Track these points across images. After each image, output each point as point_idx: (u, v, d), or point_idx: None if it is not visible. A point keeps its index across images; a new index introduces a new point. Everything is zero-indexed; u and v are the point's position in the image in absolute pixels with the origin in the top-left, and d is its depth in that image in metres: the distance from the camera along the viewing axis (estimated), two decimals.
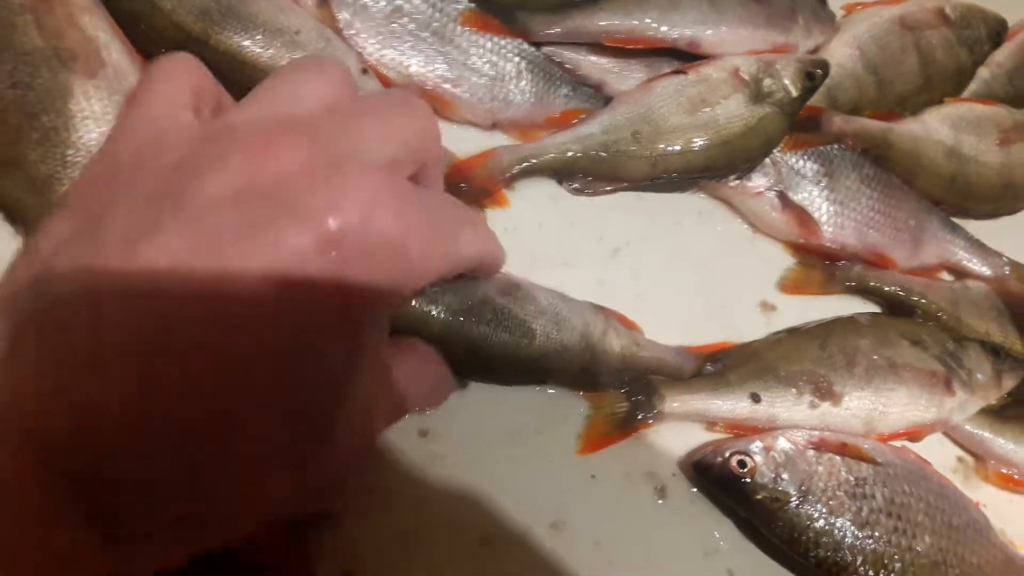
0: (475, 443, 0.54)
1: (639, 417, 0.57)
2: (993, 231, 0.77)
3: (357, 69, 0.55)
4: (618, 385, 0.57)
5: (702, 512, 0.57)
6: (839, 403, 0.60)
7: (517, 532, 0.52)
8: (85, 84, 0.45)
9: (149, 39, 0.51)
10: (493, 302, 0.53)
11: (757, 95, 0.63)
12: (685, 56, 0.65)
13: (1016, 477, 0.67)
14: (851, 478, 0.57)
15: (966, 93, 0.81)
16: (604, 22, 0.61)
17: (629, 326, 0.61)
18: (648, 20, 0.62)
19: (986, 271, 0.74)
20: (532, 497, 0.53)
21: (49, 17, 0.46)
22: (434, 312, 0.51)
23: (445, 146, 0.59)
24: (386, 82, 0.57)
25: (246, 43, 0.52)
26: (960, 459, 0.68)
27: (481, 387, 0.55)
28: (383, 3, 0.57)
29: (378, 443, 0.50)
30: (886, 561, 0.55)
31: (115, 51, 0.47)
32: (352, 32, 0.56)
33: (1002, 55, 0.83)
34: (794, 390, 0.60)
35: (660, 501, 0.57)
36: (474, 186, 0.59)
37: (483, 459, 0.53)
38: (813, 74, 0.65)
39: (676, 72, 0.64)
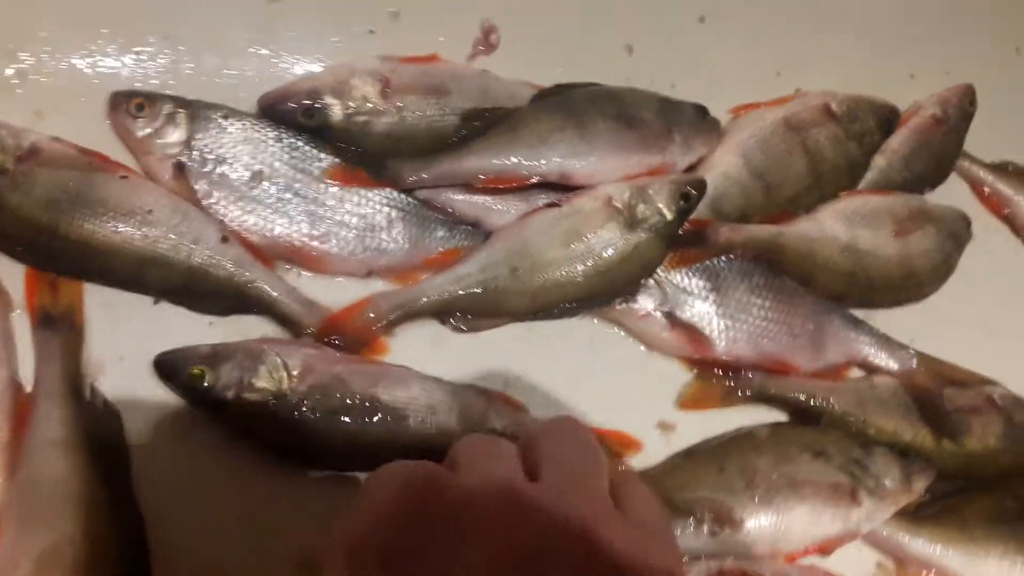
0: None
1: None
2: (903, 318, 0.77)
3: (217, 238, 0.56)
4: None
5: None
6: (740, 528, 0.59)
7: None
8: None
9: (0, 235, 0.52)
10: (363, 394, 0.54)
11: (631, 222, 0.64)
12: (562, 186, 0.66)
13: None
14: None
15: (864, 183, 0.81)
16: (473, 165, 0.62)
17: (514, 406, 0.61)
18: (516, 159, 0.63)
19: (894, 365, 0.73)
20: None
21: None
22: (309, 415, 0.53)
23: (315, 300, 0.59)
24: (250, 246, 0.57)
25: (97, 229, 0.52)
26: (879, 564, 0.67)
27: None
28: (242, 171, 0.57)
29: None
30: None
31: None
32: (211, 201, 0.57)
33: (896, 141, 0.83)
34: (692, 520, 0.59)
35: None
36: (348, 338, 0.59)
37: None
38: (688, 194, 0.65)
39: (551, 205, 0.64)
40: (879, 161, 0.82)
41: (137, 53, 0.59)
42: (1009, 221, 0.90)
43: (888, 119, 0.83)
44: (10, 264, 0.53)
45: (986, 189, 0.89)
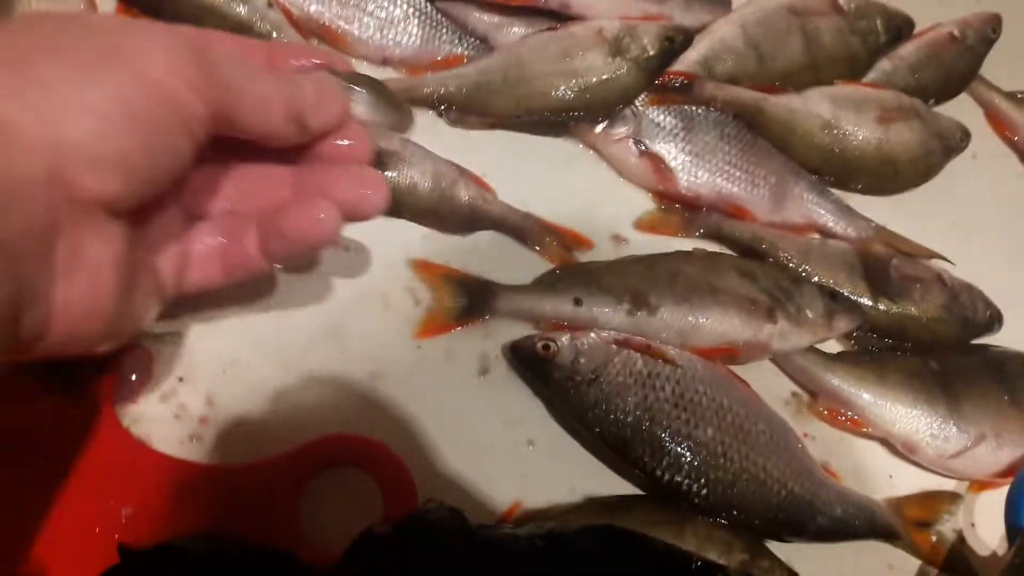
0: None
1: (473, 313, 0.67)
2: (876, 208, 0.82)
3: (264, 3, 0.69)
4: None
5: (515, 391, 0.66)
6: (654, 313, 0.67)
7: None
8: None
9: None
10: None
11: (616, 51, 0.73)
12: (565, 16, 0.76)
13: (841, 415, 0.71)
14: (644, 371, 0.64)
15: (866, 81, 0.87)
16: None
17: (483, 187, 0.71)
18: None
19: (851, 233, 0.79)
20: (358, 349, 0.63)
21: None
22: None
23: None
24: (290, 16, 0.70)
25: None
26: (794, 394, 0.73)
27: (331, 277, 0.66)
28: None
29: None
30: (663, 443, 0.62)
31: None
32: None
33: (906, 50, 0.89)
34: (613, 297, 0.67)
35: (481, 377, 0.66)
36: None
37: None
38: (673, 38, 0.74)
39: (549, 29, 0.74)
40: (885, 65, 0.88)
41: None
42: (1017, 148, 0.93)
43: (898, 26, 0.88)
44: None
45: (997, 113, 0.92)
